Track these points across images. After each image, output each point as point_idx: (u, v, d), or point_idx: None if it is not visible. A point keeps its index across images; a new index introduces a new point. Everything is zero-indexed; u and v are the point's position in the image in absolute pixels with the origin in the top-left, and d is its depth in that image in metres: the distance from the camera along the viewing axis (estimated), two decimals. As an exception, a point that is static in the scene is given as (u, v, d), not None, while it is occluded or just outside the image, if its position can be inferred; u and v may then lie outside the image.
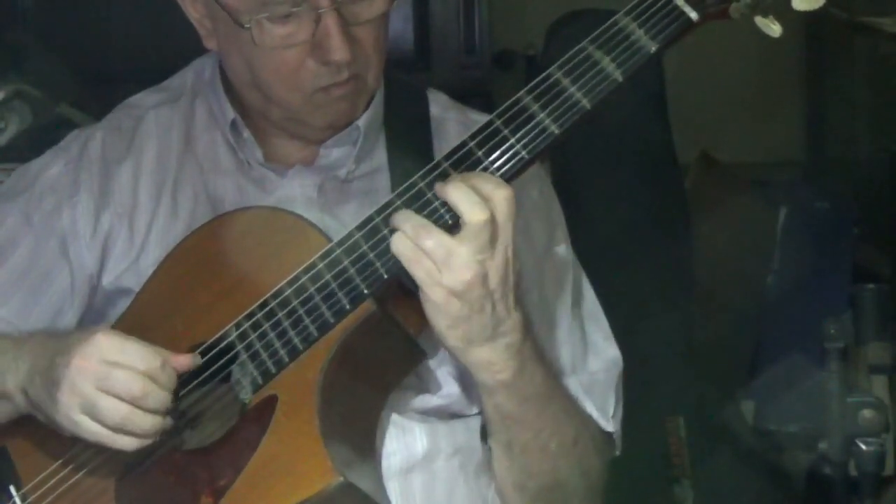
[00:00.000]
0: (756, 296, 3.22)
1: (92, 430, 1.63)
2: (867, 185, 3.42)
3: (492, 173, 1.62)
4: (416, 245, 1.60)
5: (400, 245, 1.61)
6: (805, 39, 3.78)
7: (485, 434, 1.82)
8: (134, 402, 1.61)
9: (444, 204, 1.62)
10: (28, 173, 1.91)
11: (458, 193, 1.60)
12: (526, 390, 1.70)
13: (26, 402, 1.70)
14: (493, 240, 1.60)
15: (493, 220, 1.59)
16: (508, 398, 1.70)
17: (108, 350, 1.62)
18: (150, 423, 1.62)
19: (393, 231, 1.63)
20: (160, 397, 1.62)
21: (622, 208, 2.75)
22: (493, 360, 1.66)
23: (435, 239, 1.60)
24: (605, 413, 1.84)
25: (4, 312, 1.84)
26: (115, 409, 1.61)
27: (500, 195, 1.60)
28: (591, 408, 1.82)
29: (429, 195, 1.63)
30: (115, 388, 1.61)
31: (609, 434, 1.85)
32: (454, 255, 1.59)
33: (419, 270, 1.60)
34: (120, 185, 1.85)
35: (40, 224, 1.86)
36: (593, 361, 1.86)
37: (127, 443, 1.63)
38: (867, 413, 2.01)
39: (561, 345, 1.83)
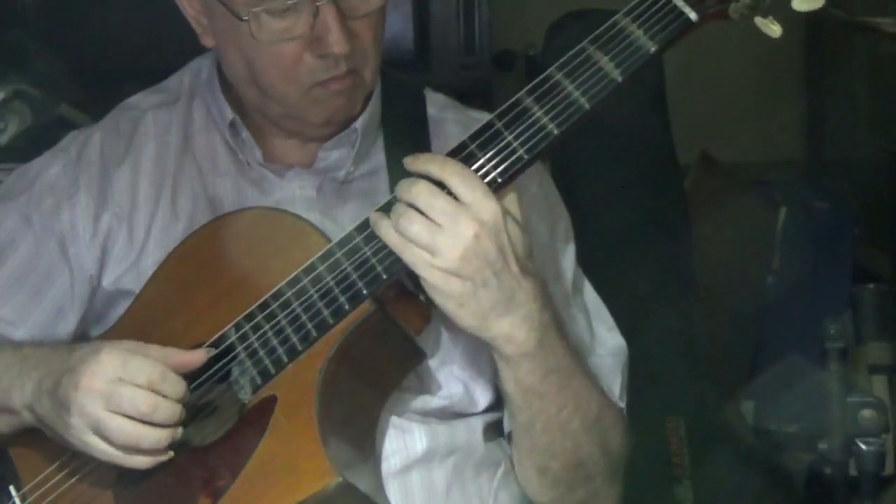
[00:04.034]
0: (756, 296, 3.22)
1: (104, 450, 1.63)
2: (867, 185, 3.41)
3: (489, 172, 1.63)
4: (401, 234, 1.61)
5: (387, 235, 1.62)
6: (805, 39, 3.78)
7: (487, 433, 1.82)
8: (143, 419, 1.61)
9: None
10: (27, 174, 1.91)
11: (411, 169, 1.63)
12: (549, 362, 1.69)
13: (33, 418, 1.70)
14: (464, 213, 1.59)
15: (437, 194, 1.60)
16: (532, 371, 1.68)
17: (111, 368, 1.62)
18: (160, 437, 1.62)
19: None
20: (169, 409, 1.62)
21: (622, 208, 2.75)
22: (514, 332, 1.65)
23: (417, 224, 1.60)
24: (613, 394, 1.84)
25: (5, 313, 1.84)
26: (125, 428, 1.61)
27: (482, 200, 1.60)
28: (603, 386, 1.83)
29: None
30: (122, 406, 1.61)
31: (622, 411, 1.85)
32: (437, 235, 1.59)
33: (410, 256, 1.61)
34: (119, 186, 1.85)
35: (39, 225, 1.86)
36: (600, 348, 1.87)
37: (140, 461, 1.63)
38: (867, 413, 2.02)
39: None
